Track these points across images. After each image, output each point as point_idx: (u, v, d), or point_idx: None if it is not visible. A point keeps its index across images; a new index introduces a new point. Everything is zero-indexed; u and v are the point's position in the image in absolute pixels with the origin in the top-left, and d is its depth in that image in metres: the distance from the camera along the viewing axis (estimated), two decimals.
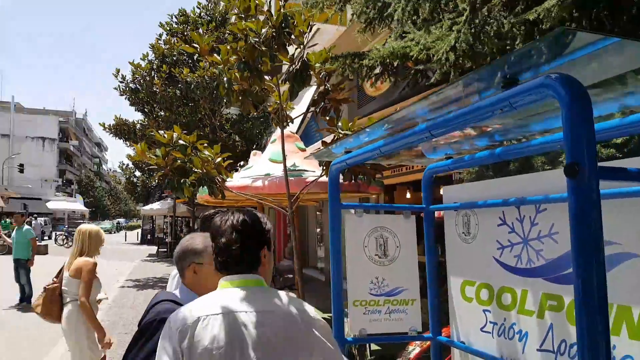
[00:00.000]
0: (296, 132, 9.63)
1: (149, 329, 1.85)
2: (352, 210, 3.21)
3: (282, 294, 1.57)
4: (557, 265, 2.22)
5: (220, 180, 5.01)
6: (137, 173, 27.21)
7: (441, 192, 3.21)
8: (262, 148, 10.45)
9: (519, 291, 2.48)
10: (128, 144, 16.40)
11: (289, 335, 1.46)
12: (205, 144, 5.04)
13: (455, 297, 3.01)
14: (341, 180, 5.19)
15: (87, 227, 4.33)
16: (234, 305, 1.45)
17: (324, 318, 1.61)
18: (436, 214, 3.37)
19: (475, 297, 2.82)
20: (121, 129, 16.03)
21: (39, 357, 6.32)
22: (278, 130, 7.47)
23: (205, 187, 4.93)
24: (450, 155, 3.05)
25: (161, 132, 4.95)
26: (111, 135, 16.00)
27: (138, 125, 16.13)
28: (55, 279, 4.21)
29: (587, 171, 1.22)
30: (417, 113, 2.22)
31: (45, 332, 7.51)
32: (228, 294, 1.49)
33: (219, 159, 5.04)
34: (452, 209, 3.08)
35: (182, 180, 4.80)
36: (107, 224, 48.63)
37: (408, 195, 10.46)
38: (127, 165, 26.43)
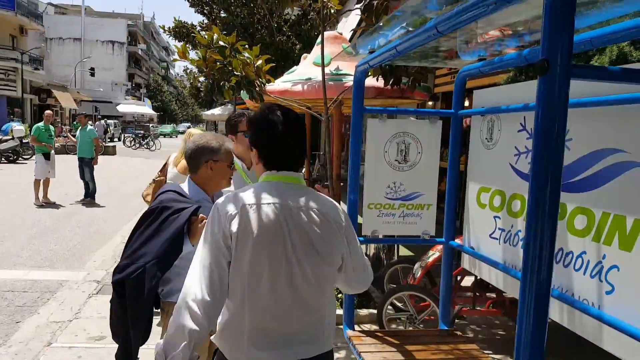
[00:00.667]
0: (351, 39, 9.26)
1: (152, 215, 2.04)
2: (377, 117, 3.20)
3: (319, 194, 1.65)
4: (565, 173, 2.16)
5: (259, 84, 5.03)
6: (201, 78, 27.76)
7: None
8: None
9: (527, 197, 2.45)
10: (190, 47, 16.59)
11: (324, 231, 1.55)
12: (246, 45, 5.00)
13: (470, 204, 3.02)
14: (381, 85, 5.07)
15: (196, 130, 4.62)
16: (280, 197, 1.53)
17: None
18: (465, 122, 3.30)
19: (488, 203, 2.83)
20: (180, 32, 16.17)
21: (99, 244, 7.00)
22: (327, 33, 7.26)
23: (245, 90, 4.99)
24: (483, 57, 2.91)
25: (202, 32, 4.94)
26: (170, 37, 16.22)
27: (197, 28, 16.19)
28: (159, 173, 4.53)
29: (558, 69, 1.14)
30: (428, 7, 2.11)
31: (106, 225, 8.28)
32: (275, 187, 1.56)
33: (259, 62, 5.01)
34: (479, 114, 3.00)
35: (221, 83, 4.88)
36: (168, 128, 49.57)
37: (467, 103, 10.07)
38: (191, 70, 27.00)
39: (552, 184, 1.19)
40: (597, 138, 1.98)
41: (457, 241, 3.18)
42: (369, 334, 3.11)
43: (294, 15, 16.11)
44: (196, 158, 2.22)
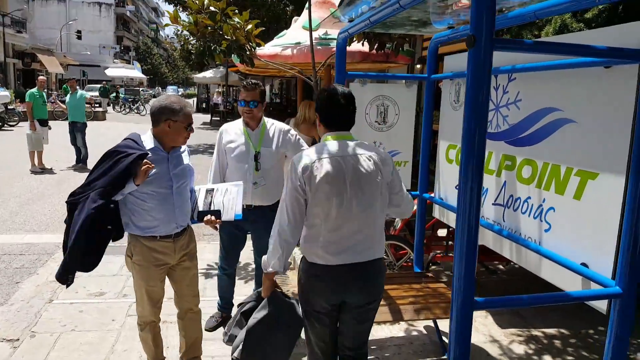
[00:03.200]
0: (340, 4, 9.34)
1: (108, 156, 2.45)
2: (359, 81, 3.48)
3: (371, 145, 2.30)
4: (516, 129, 2.49)
5: (249, 48, 5.24)
6: (193, 40, 27.48)
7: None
8: None
9: (486, 153, 2.78)
10: (180, 9, 16.48)
11: (370, 171, 2.15)
12: (236, 10, 5.17)
13: (441, 160, 3.35)
14: (366, 49, 5.31)
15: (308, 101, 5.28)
16: (341, 150, 2.14)
17: None
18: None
19: (455, 158, 3.16)
20: None
21: None
22: None
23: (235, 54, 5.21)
24: (452, 25, 3.17)
25: None
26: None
27: None
28: None
29: (482, 43, 1.44)
30: None
31: None
32: (336, 144, 2.16)
33: (249, 27, 5.20)
34: (448, 79, 3.29)
35: (212, 48, 5.09)
36: (171, 90, 51.09)
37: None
38: (182, 31, 26.60)
39: (479, 136, 1.51)
40: (539, 99, 2.30)
41: (430, 194, 3.52)
42: None
43: None
44: (158, 115, 2.57)
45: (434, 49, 3.40)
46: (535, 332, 3.54)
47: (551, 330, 3.56)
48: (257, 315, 2.28)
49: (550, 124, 2.24)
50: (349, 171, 2.11)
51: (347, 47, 5.41)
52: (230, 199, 2.86)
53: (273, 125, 3.44)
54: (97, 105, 25.14)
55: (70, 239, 2.39)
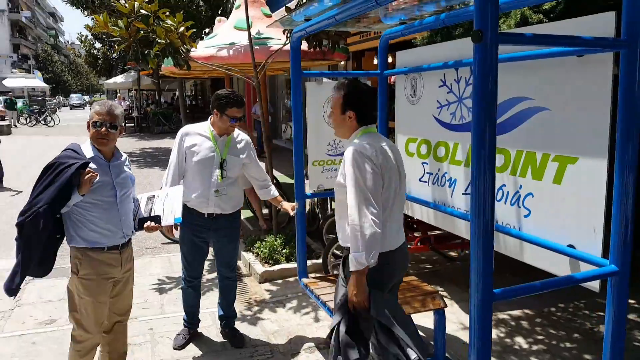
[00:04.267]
0: (268, 3, 9.22)
1: (49, 169, 2.37)
2: (313, 79, 3.43)
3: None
4: None
5: (184, 50, 5.02)
6: (98, 45, 25.99)
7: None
8: (227, 14, 10.01)
9: (452, 144, 2.85)
10: (86, 14, 15.49)
11: (401, 157, 2.39)
12: (168, 13, 4.95)
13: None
14: (305, 48, 5.27)
15: None
16: (385, 141, 2.30)
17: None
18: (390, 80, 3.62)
19: (416, 152, 3.20)
20: None
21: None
22: None
23: (170, 57, 4.97)
24: (404, 20, 3.21)
25: (122, 1, 4.82)
26: (67, 4, 15.00)
27: None
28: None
29: (489, 37, 1.44)
30: None
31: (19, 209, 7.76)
32: (378, 136, 2.33)
33: (182, 28, 4.98)
34: (403, 74, 3.32)
35: (146, 52, 4.81)
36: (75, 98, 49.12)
37: (375, 61, 10.48)
38: (86, 36, 25.00)
39: (489, 129, 1.51)
40: (507, 89, 2.36)
41: None
42: (322, 278, 3.44)
43: None
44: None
45: (385, 44, 3.42)
46: (502, 316, 3.69)
47: (516, 312, 3.72)
48: (379, 320, 2.20)
49: (521, 113, 2.32)
50: (396, 158, 2.31)
51: (284, 47, 5.35)
52: (170, 204, 2.83)
53: (239, 135, 3.33)
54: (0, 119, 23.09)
55: (25, 252, 2.43)
